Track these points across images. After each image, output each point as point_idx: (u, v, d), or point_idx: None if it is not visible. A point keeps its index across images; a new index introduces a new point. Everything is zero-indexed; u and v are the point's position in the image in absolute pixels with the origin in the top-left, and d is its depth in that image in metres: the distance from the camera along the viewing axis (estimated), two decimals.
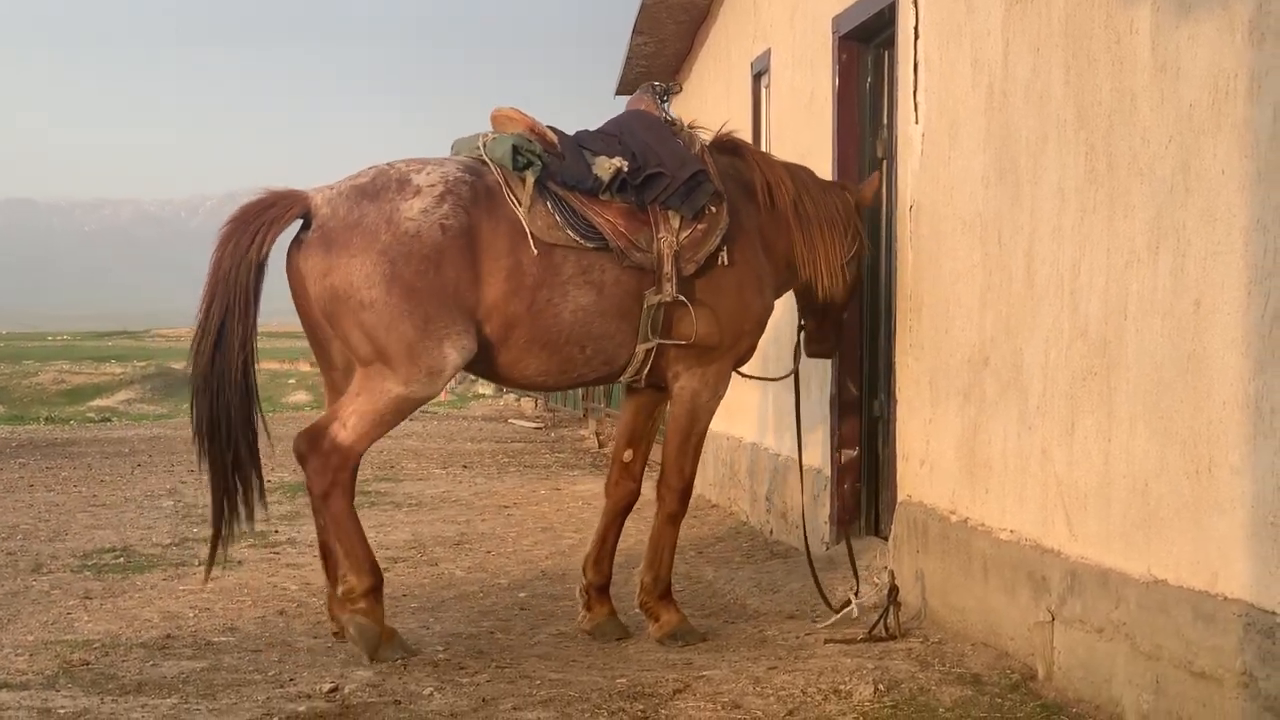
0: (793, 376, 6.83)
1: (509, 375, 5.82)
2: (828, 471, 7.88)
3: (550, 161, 5.79)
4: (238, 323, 5.46)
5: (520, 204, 5.63)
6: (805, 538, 7.00)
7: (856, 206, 6.64)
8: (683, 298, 5.84)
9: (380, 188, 5.53)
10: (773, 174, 6.38)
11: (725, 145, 6.37)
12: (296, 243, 5.58)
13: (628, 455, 6.26)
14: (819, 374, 8.03)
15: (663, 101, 6.51)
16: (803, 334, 6.80)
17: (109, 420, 27.08)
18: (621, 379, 6.03)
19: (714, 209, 5.98)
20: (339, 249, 5.44)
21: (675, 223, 5.87)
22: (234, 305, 5.45)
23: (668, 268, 5.81)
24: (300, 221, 5.60)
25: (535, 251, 5.59)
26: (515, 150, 5.72)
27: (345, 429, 5.46)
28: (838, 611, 6.31)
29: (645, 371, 5.98)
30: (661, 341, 5.90)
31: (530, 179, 5.69)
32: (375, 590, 5.54)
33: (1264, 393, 3.85)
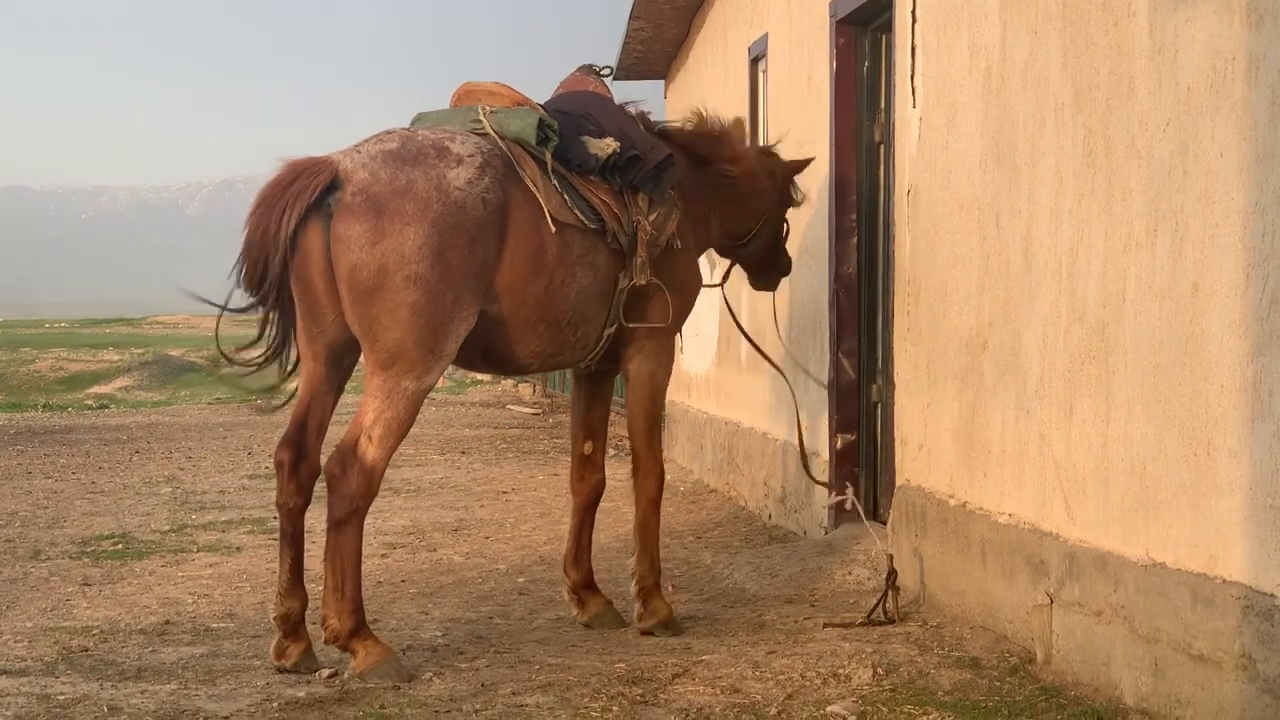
0: (722, 295, 6.89)
1: (502, 354, 5.55)
2: (826, 455, 7.88)
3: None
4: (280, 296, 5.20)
5: (535, 182, 5.45)
6: (800, 435, 7.00)
7: (772, 170, 6.73)
8: (657, 281, 5.82)
9: (417, 153, 5.16)
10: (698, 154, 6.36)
11: (648, 125, 6.23)
12: (319, 208, 5.09)
13: (588, 448, 6.19)
14: (817, 359, 8.03)
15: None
16: (732, 264, 6.91)
17: (107, 407, 27.06)
18: (582, 363, 5.94)
19: (671, 192, 5.96)
20: (391, 215, 5.02)
21: (644, 206, 5.82)
22: (272, 287, 5.14)
23: (642, 251, 5.77)
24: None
25: (554, 230, 5.44)
26: (541, 125, 5.54)
27: (372, 443, 5.08)
28: (834, 503, 6.50)
29: (600, 355, 5.91)
30: (633, 325, 5.85)
31: (549, 157, 5.53)
32: (359, 629, 5.17)
33: (1262, 376, 3.85)
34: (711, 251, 6.77)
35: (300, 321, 5.34)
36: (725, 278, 6.89)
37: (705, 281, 6.47)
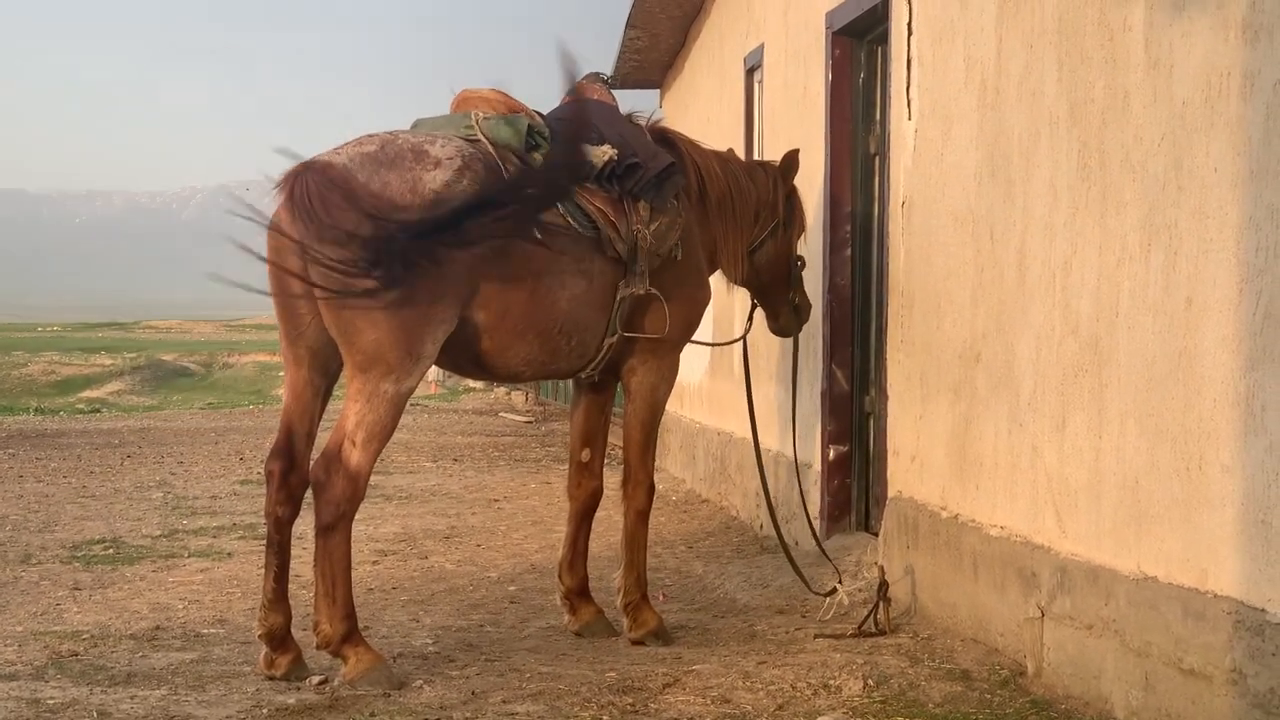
0: (743, 347, 6.82)
1: (491, 362, 5.54)
2: (818, 467, 7.88)
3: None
4: None
5: None
6: (774, 519, 6.92)
7: (776, 182, 6.66)
8: (655, 291, 5.80)
9: (395, 156, 5.16)
10: (706, 165, 6.33)
11: (656, 135, 6.21)
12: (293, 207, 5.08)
13: (585, 455, 6.17)
14: (810, 369, 8.03)
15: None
16: (755, 310, 6.82)
17: (99, 411, 27.04)
18: (582, 373, 5.92)
19: (675, 201, 5.93)
20: None
21: (645, 214, 5.79)
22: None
23: (642, 260, 5.75)
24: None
25: (540, 237, 5.40)
26: (531, 131, 5.52)
27: (356, 448, 5.07)
28: (825, 595, 6.38)
29: (602, 366, 5.90)
30: (631, 335, 5.83)
31: (539, 162, 5.48)
32: (350, 635, 5.17)
33: (1255, 390, 3.85)
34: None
35: (280, 325, 5.37)
36: (748, 329, 6.81)
37: (734, 334, 6.38)
